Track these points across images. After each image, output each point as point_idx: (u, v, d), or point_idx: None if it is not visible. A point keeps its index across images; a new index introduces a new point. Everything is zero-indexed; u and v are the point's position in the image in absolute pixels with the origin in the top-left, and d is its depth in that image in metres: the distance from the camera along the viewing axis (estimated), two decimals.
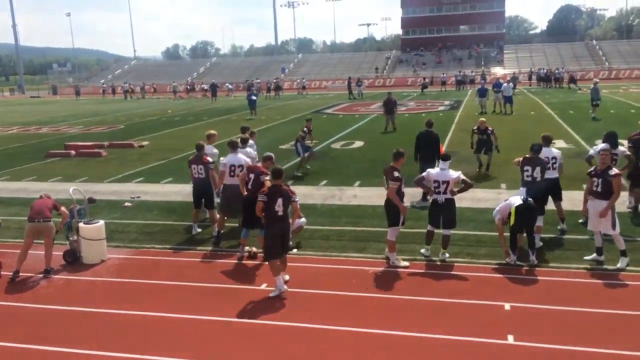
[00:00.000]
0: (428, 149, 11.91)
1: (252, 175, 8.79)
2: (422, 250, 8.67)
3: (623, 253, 7.89)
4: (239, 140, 10.79)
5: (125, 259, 9.15)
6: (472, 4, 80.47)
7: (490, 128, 14.25)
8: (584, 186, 10.30)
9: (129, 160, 18.59)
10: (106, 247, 9.16)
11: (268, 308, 7.09)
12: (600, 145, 9.77)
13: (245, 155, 10.65)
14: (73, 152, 20.28)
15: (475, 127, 14.41)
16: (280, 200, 7.38)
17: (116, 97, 62.91)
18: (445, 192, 8.34)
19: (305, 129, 15.41)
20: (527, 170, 8.85)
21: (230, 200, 9.59)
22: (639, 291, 7.19)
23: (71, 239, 9.10)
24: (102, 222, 9.14)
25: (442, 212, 8.40)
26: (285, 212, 7.51)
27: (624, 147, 10.10)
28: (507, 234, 8.24)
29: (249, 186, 8.76)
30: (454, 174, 8.41)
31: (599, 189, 7.97)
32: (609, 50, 71.57)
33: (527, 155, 9.02)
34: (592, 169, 8.29)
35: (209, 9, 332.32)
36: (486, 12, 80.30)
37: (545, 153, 9.20)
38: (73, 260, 8.94)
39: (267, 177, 8.44)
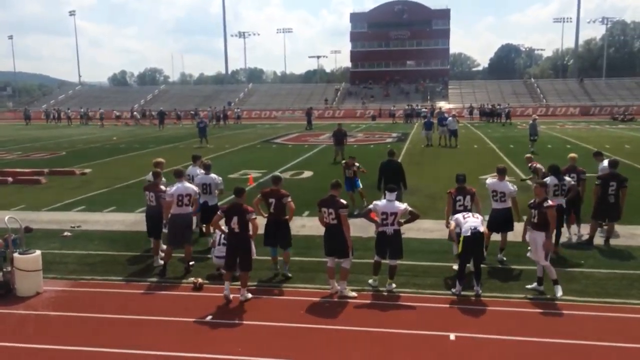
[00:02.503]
0: (391, 178, 12.19)
1: (272, 200, 9.01)
2: (370, 281, 8.69)
3: (555, 282, 8.16)
4: (202, 166, 11.23)
5: (63, 292, 8.73)
6: (419, 41, 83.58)
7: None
8: (524, 217, 10.73)
9: (70, 188, 17.93)
10: (42, 278, 8.72)
11: (213, 341, 6.91)
12: (547, 178, 10.21)
13: (213, 182, 10.58)
14: (10, 178, 19.39)
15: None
16: (235, 218, 8.09)
17: (61, 122, 61.06)
18: (393, 224, 8.42)
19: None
20: (460, 200, 9.22)
21: (177, 231, 9.40)
22: (579, 320, 7.43)
23: (4, 270, 8.63)
24: (38, 252, 8.71)
25: (390, 243, 8.47)
26: (242, 228, 8.13)
27: (569, 177, 10.57)
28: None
29: (272, 210, 9.02)
30: (401, 205, 8.53)
31: (535, 220, 8.36)
32: (546, 88, 75.39)
33: (457, 186, 9.41)
34: (531, 201, 8.61)
35: (159, 36, 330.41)
36: (431, 48, 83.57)
37: (501, 187, 9.64)
38: (5, 293, 8.46)
39: (290, 199, 9.04)
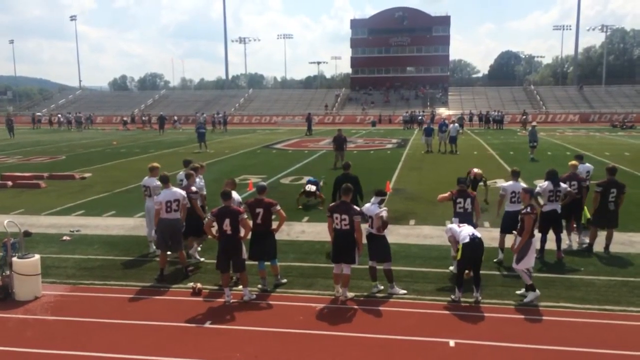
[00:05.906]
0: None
1: (259, 210, 8.64)
2: (374, 289, 8.65)
3: (530, 288, 8.17)
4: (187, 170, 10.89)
5: (61, 296, 8.71)
6: (419, 47, 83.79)
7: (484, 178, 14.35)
8: None
9: (70, 192, 17.92)
10: (41, 283, 8.70)
11: (212, 346, 6.88)
12: (544, 183, 10.26)
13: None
14: (10, 182, 19.40)
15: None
16: (227, 221, 8.15)
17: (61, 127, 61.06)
18: (371, 226, 8.47)
19: None
20: (460, 202, 9.29)
21: (166, 236, 9.39)
22: (580, 328, 7.38)
23: (4, 274, 8.61)
24: (37, 256, 8.70)
25: (370, 245, 8.54)
26: (234, 230, 8.21)
27: (565, 184, 10.61)
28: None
29: (259, 220, 8.67)
30: (376, 209, 8.48)
31: (519, 226, 8.49)
32: (545, 95, 75.47)
33: (458, 189, 9.46)
34: (523, 208, 8.65)
35: (159, 41, 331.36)
36: (432, 55, 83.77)
37: (514, 187, 9.89)
38: (4, 297, 8.44)
39: (279, 207, 8.75)
